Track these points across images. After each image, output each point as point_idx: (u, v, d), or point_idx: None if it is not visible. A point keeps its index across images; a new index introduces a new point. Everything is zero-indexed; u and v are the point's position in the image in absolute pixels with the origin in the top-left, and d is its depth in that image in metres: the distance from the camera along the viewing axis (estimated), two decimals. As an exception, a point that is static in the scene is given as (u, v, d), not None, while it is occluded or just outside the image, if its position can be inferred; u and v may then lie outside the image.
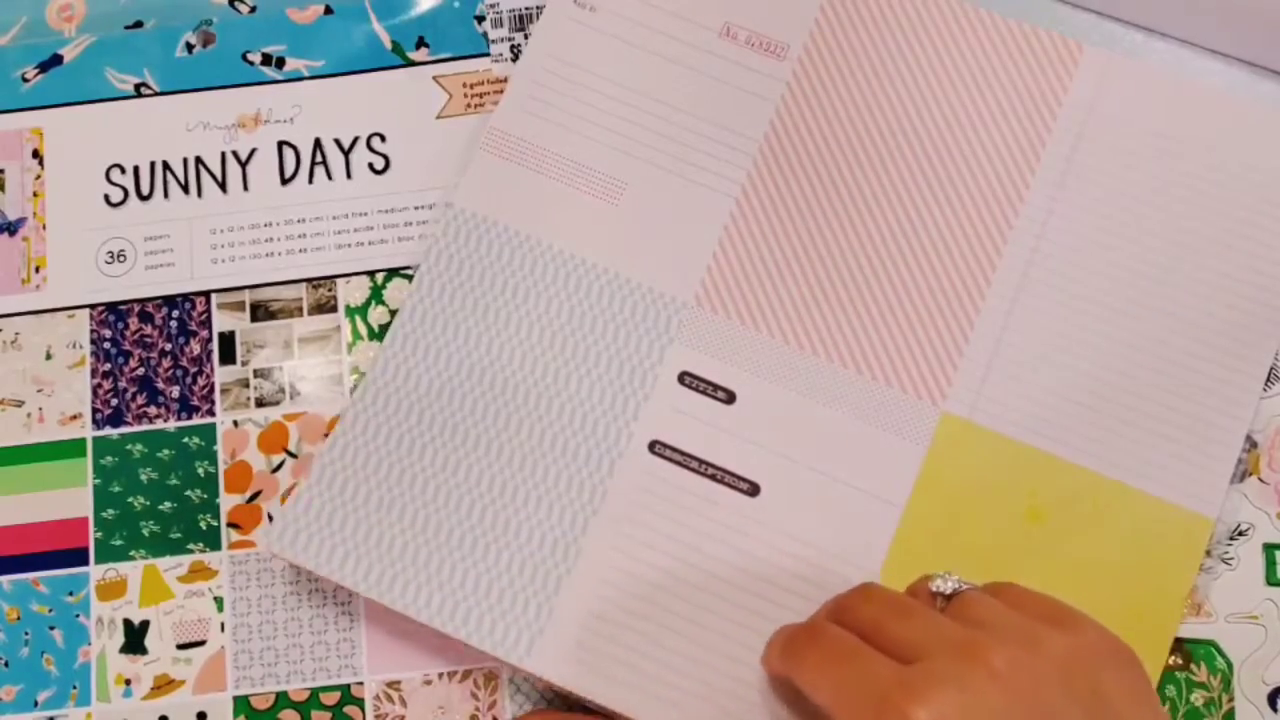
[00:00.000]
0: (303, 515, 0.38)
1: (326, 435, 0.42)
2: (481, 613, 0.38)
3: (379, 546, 0.38)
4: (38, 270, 0.44)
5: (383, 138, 0.44)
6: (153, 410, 0.42)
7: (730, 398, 0.40)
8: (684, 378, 0.40)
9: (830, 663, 0.32)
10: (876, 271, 0.41)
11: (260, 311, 0.43)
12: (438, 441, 0.39)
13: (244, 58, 0.45)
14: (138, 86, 0.45)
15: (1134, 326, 0.40)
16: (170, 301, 0.43)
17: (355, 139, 0.44)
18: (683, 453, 0.40)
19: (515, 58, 0.45)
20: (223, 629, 0.41)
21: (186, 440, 0.42)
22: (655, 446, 0.40)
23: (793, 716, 0.36)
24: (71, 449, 0.42)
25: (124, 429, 0.42)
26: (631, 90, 0.43)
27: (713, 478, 0.39)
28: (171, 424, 0.42)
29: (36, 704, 0.40)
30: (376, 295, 0.43)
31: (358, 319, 0.43)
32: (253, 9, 0.46)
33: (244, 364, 0.43)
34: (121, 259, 0.44)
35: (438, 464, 0.39)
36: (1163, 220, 0.41)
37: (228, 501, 0.42)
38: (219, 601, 0.41)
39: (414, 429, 0.39)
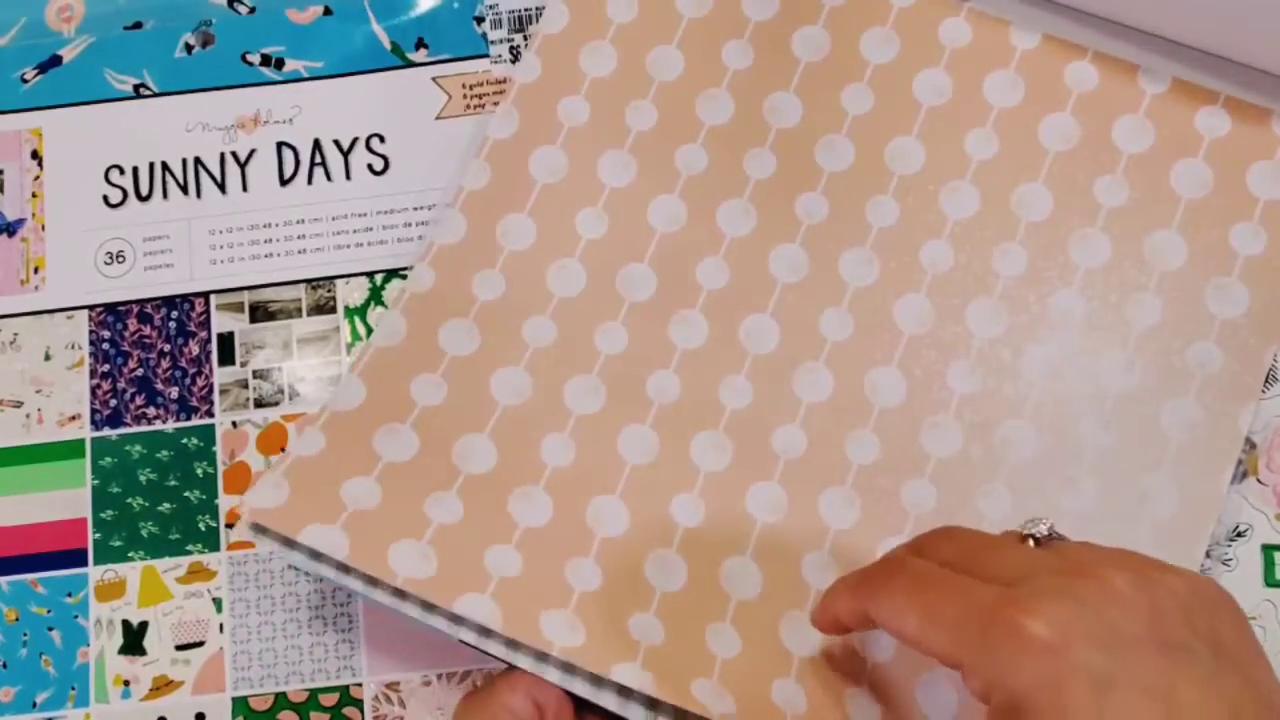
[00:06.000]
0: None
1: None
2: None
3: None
4: (36, 271, 0.44)
5: (382, 139, 0.44)
6: (151, 411, 0.42)
7: None
8: None
9: (919, 588, 0.29)
10: None
11: (259, 312, 0.43)
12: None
13: (243, 58, 0.45)
14: (137, 87, 0.45)
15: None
16: (169, 302, 0.43)
17: (354, 140, 0.44)
18: None
19: (515, 59, 0.45)
20: (221, 630, 0.41)
21: (185, 441, 0.42)
22: None
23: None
24: (70, 450, 0.42)
25: (123, 430, 0.42)
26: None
27: None
28: (170, 425, 0.42)
29: (35, 705, 0.40)
30: (376, 296, 0.43)
31: (357, 320, 0.43)
32: (252, 10, 0.46)
33: (243, 365, 0.43)
34: (120, 260, 0.44)
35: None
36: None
37: (227, 503, 0.42)
38: (218, 602, 0.41)
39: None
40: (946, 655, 0.28)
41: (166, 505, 0.42)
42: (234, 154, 0.44)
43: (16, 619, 0.41)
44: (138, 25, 0.46)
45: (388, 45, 0.45)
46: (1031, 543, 0.30)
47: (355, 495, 0.37)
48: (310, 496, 0.36)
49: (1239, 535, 0.40)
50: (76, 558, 0.41)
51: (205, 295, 0.43)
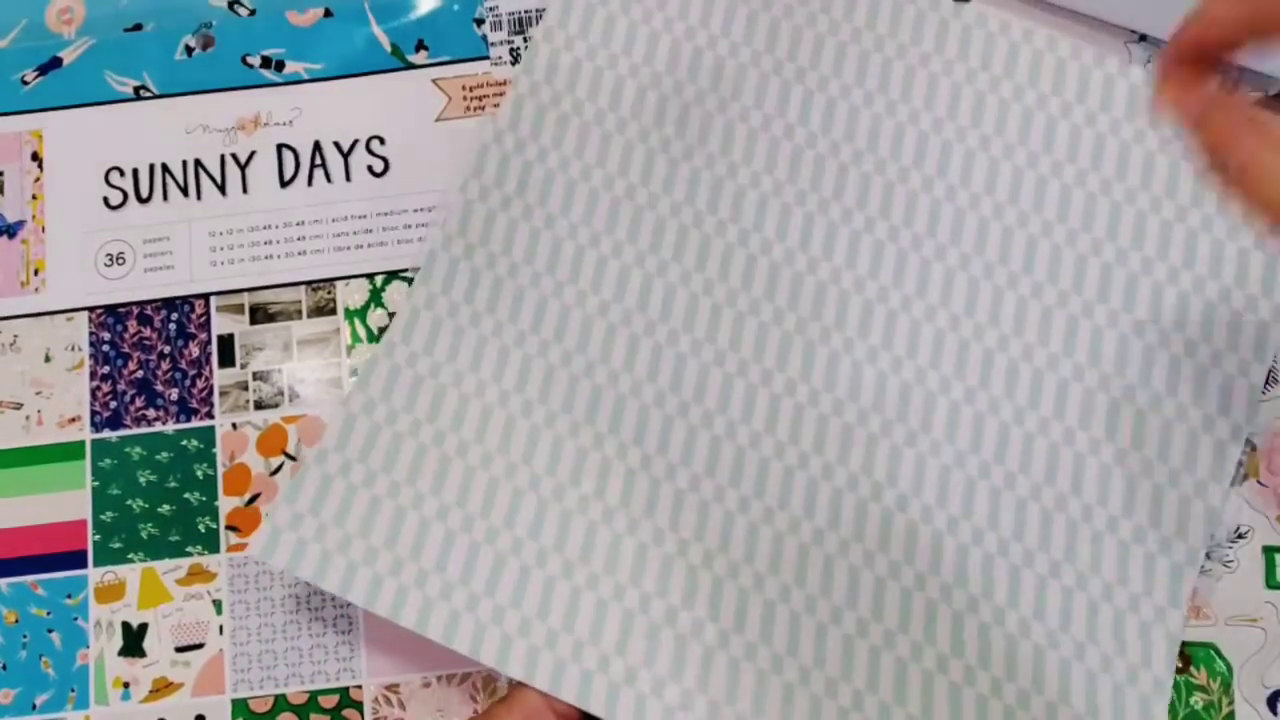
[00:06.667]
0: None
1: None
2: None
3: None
4: (37, 273, 0.44)
5: (382, 140, 0.44)
6: (151, 413, 0.42)
7: None
8: None
9: None
10: None
11: (259, 314, 0.43)
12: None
13: (243, 60, 0.45)
14: (137, 89, 0.45)
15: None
16: (169, 304, 0.43)
17: (354, 142, 0.44)
18: None
19: (514, 61, 0.45)
20: (221, 632, 0.41)
21: (185, 443, 0.42)
22: None
23: None
24: (70, 451, 0.42)
25: (123, 431, 0.42)
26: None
27: None
28: (170, 426, 0.42)
29: (35, 707, 0.40)
30: (375, 298, 0.43)
31: (357, 321, 0.43)
32: (252, 12, 0.46)
33: (243, 366, 0.43)
34: (120, 261, 0.44)
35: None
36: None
37: (226, 504, 0.42)
38: (217, 604, 0.41)
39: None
40: None
41: (166, 507, 0.42)
42: (234, 156, 0.44)
43: (16, 621, 0.41)
44: (138, 27, 0.46)
45: (388, 47, 0.45)
46: None
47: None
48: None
49: (1240, 537, 0.40)
50: (76, 559, 0.41)
51: (205, 297, 0.43)
